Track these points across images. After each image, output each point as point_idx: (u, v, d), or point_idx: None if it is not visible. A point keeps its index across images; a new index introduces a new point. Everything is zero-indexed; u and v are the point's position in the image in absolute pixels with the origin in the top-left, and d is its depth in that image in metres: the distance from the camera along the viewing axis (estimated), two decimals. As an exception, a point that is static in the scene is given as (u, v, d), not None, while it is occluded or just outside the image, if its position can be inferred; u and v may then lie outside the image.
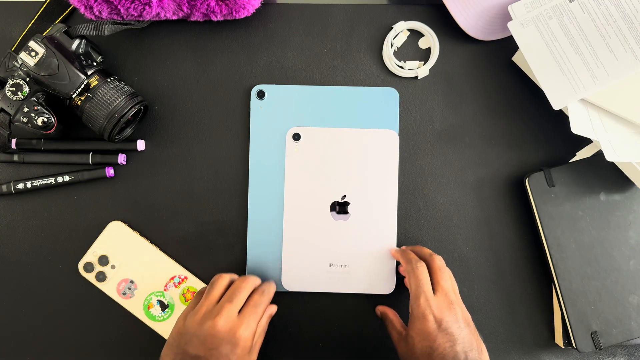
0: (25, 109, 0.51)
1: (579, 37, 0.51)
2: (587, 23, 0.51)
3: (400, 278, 0.58)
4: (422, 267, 0.51)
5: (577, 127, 0.53)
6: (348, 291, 0.58)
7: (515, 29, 0.53)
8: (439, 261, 0.52)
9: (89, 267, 0.58)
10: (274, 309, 0.55)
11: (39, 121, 0.51)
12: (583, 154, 0.58)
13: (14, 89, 0.50)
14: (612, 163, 0.56)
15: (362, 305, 0.59)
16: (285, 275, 0.58)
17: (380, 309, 0.57)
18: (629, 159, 0.53)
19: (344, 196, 0.58)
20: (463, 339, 0.48)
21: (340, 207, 0.58)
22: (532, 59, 0.53)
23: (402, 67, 0.59)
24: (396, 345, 0.52)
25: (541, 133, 0.59)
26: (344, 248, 0.58)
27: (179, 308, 0.58)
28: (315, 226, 0.58)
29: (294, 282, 0.58)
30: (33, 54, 0.50)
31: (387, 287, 0.58)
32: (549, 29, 0.51)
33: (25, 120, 0.51)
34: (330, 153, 0.58)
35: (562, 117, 0.59)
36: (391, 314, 0.55)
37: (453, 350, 0.47)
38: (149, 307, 0.58)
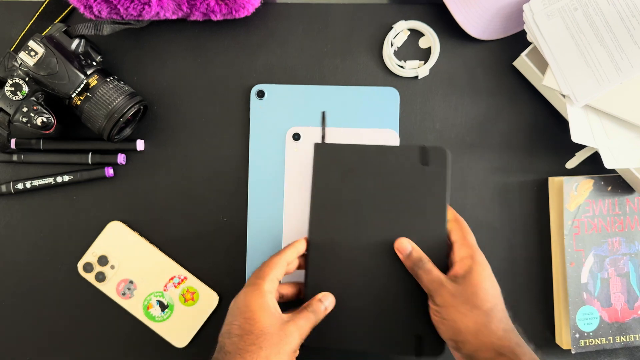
0: (25, 109, 0.51)
1: (604, 28, 0.51)
2: (612, 15, 0.51)
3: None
4: None
5: (577, 135, 0.53)
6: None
7: (540, 22, 0.52)
8: None
9: (88, 267, 0.57)
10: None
11: (39, 121, 0.51)
12: (582, 154, 0.57)
13: (13, 88, 0.50)
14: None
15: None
16: (285, 275, 0.57)
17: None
18: (628, 165, 0.53)
19: (344, 196, 0.58)
20: None
21: (340, 207, 0.58)
22: (556, 52, 0.52)
23: (402, 67, 0.59)
24: None
25: (542, 132, 0.59)
26: (344, 248, 0.57)
27: (179, 308, 0.58)
28: (315, 226, 0.57)
29: (294, 283, 0.58)
30: (32, 53, 0.50)
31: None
32: (574, 21, 0.51)
33: (24, 120, 0.51)
34: (330, 153, 0.58)
35: (562, 118, 0.59)
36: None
37: None
38: (148, 308, 0.58)
